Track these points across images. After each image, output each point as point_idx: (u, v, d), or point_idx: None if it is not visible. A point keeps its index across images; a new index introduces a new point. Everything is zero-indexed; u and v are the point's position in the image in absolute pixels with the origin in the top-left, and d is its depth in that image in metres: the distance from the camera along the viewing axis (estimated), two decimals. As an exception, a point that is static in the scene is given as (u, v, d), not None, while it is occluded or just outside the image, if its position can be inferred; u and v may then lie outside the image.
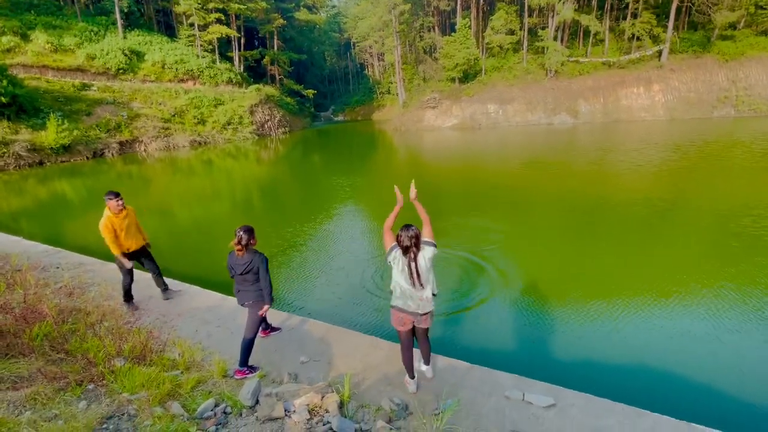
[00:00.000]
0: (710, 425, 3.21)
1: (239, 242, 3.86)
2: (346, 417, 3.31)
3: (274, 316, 5.27)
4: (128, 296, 5.58)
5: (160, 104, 33.74)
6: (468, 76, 40.62)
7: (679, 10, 35.21)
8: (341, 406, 3.42)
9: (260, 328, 4.45)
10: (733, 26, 33.53)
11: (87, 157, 26.56)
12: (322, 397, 3.45)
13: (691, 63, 33.44)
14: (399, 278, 3.46)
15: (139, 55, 37.56)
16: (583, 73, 36.34)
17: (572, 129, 31.14)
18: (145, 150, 30.25)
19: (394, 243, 3.48)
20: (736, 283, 6.26)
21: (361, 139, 36.74)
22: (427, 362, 3.90)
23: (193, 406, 3.39)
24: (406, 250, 3.37)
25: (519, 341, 5.19)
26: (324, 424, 3.15)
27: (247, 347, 4.02)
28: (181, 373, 3.97)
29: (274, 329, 4.85)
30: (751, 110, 30.43)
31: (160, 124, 32.26)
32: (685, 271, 6.75)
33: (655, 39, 35.64)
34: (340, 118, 69.28)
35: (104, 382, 3.61)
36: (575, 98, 35.35)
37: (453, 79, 41.04)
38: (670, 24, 33.55)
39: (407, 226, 3.39)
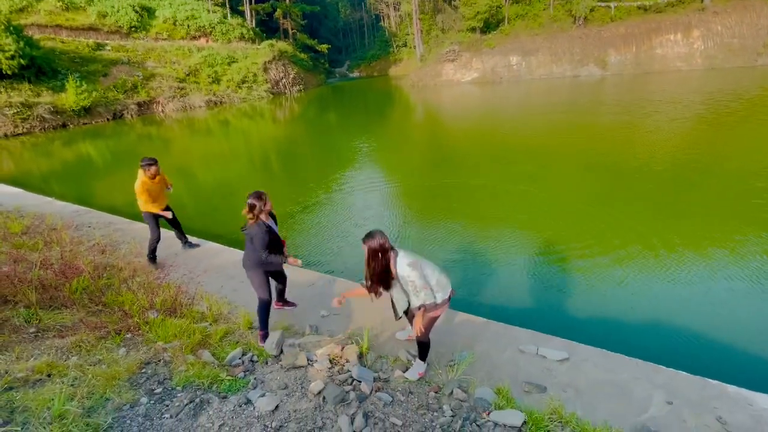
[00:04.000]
0: (726, 381, 3.24)
1: (250, 210, 3.69)
2: (365, 366, 3.48)
3: (294, 272, 5.45)
4: (153, 255, 5.83)
5: (174, 63, 33.34)
6: (490, 25, 38.25)
7: (729, -58, 31.57)
8: (360, 356, 3.59)
9: (274, 299, 4.31)
10: (790, -40, 29.99)
11: (107, 119, 26.88)
12: (342, 348, 3.62)
13: (737, 4, 30.41)
14: (432, 267, 3.18)
15: (150, 12, 36.71)
16: (615, 20, 33.65)
17: (600, 82, 29.42)
18: (162, 111, 30.34)
19: (401, 258, 3.05)
20: (757, 241, 6.06)
21: (376, 96, 35.74)
22: None
23: (222, 355, 3.62)
24: (387, 254, 3.06)
25: (535, 298, 5.25)
26: (344, 373, 3.33)
27: (261, 310, 3.93)
28: (210, 324, 4.21)
29: (288, 304, 4.64)
30: (801, 57, 27.92)
31: (176, 84, 32.06)
32: (705, 230, 6.55)
33: (699, -22, 32.36)
34: (356, 74, 67.15)
35: (140, 332, 3.88)
36: (605, 48, 33.03)
37: (473, 29, 38.75)
38: (718, -41, 30.29)
39: (370, 235, 3.05)
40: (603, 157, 11.11)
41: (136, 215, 8.28)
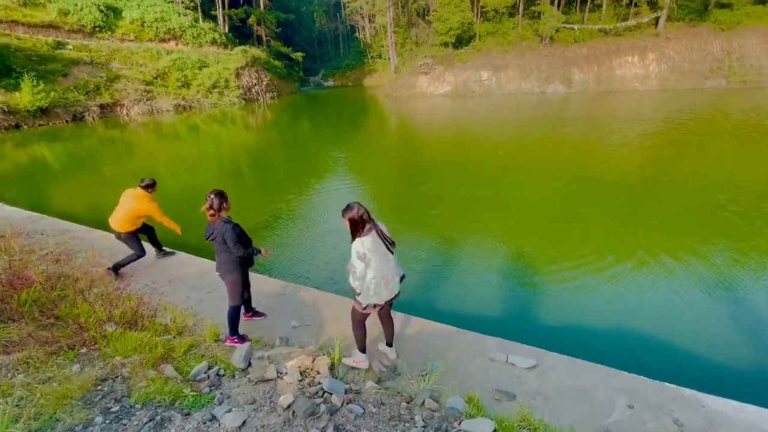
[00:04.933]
0: (681, 384, 3.41)
1: (210, 206, 3.69)
2: (336, 378, 3.43)
3: (262, 282, 5.32)
4: (120, 267, 5.56)
5: (140, 65, 32.21)
6: (462, 41, 39.43)
7: (679, -26, 34.24)
8: (332, 368, 3.53)
9: (243, 311, 4.33)
10: (731, -7, 32.85)
11: (66, 121, 25.53)
12: (313, 359, 3.55)
13: (687, 31, 32.91)
14: (378, 263, 3.24)
15: (116, 12, 35.42)
16: (579, 41, 35.56)
17: (565, 99, 30.83)
18: (127, 114, 29.15)
19: (358, 235, 3.19)
20: (713, 251, 6.47)
21: (351, 106, 35.89)
22: (391, 343, 3.78)
23: (186, 369, 3.46)
24: (366, 225, 3.20)
25: (506, 307, 5.36)
26: (315, 385, 3.26)
27: (232, 316, 3.95)
28: (174, 337, 4.02)
29: (257, 314, 4.53)
30: (742, 82, 30.39)
31: (142, 87, 30.94)
32: (666, 241, 6.93)
33: (653, 5, 34.77)
34: (330, 83, 67.24)
35: (97, 346, 3.65)
36: (569, 66, 34.76)
37: (446, 44, 39.83)
38: (670, -11, 32.72)
39: (349, 207, 3.21)
40: (571, 170, 11.59)
41: (95, 222, 7.87)
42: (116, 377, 3.20)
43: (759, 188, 9.15)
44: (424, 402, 3.15)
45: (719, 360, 4.26)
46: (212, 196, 3.71)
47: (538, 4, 36.58)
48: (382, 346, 3.88)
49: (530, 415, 3.04)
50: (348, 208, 3.23)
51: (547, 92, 34.61)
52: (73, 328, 3.85)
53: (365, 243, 3.20)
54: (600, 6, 37.81)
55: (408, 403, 3.18)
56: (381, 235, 3.29)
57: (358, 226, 3.20)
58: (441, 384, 3.42)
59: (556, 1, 37.36)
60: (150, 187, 5.55)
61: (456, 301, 5.44)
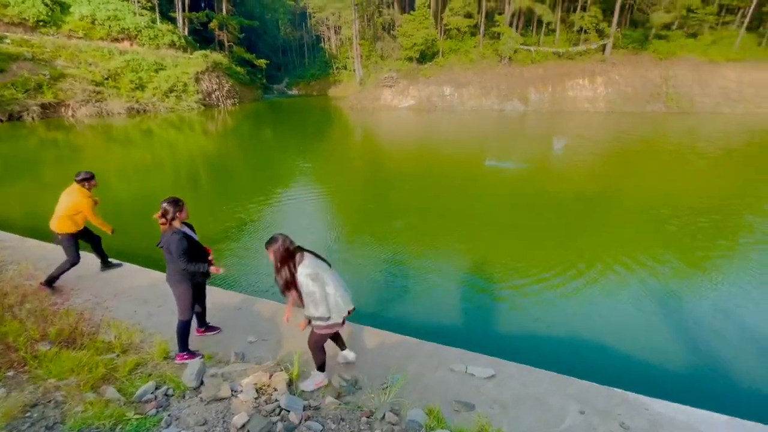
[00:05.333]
0: (627, 389, 3.60)
1: (162, 215, 3.56)
2: (294, 394, 3.31)
3: (218, 294, 5.10)
4: (55, 279, 5.13)
5: (90, 65, 30.33)
6: (425, 56, 40.51)
7: (622, 6, 37.19)
8: (290, 384, 3.42)
9: (195, 325, 4.18)
10: (668, 27, 36.07)
11: (1, 120, 23.46)
12: (270, 375, 3.42)
13: (631, 59, 35.77)
14: (331, 276, 3.25)
15: (63, 7, 33.27)
16: (535, 62, 37.62)
17: (522, 116, 32.37)
18: (72, 115, 27.25)
19: (288, 265, 3.14)
20: (658, 262, 6.97)
21: (315, 115, 35.69)
22: (344, 345, 3.83)
23: (130, 390, 3.21)
24: (296, 254, 3.18)
25: (465, 318, 5.46)
26: (272, 402, 3.13)
27: (182, 331, 3.77)
28: (117, 356, 3.74)
29: (211, 329, 4.34)
30: (678, 107, 33.33)
31: (91, 87, 29.10)
32: (613, 252, 7.38)
33: (601, 33, 37.54)
34: (294, 91, 66.61)
35: (26, 368, 3.31)
36: (526, 86, 36.62)
37: (411, 59, 40.74)
38: (614, 20, 35.47)
39: (274, 239, 3.15)
40: (529, 184, 12.12)
41: (30, 231, 7.23)
42: (48, 402, 2.91)
43: (697, 204, 9.99)
44: (384, 416, 3.11)
45: (662, 364, 4.55)
46: (165, 204, 3.56)
47: (498, 25, 38.43)
48: (341, 356, 3.82)
49: (488, 425, 3.08)
50: (272, 240, 3.14)
51: (506, 109, 36.20)
52: (0, 348, 3.48)
53: (308, 264, 3.14)
54: (554, 30, 40.31)
55: (368, 417, 3.13)
56: (314, 253, 3.28)
57: (287, 257, 3.12)
58: (402, 397, 3.40)
59: (514, 23, 39.39)
60: (86, 181, 5.15)
61: (418, 313, 5.47)
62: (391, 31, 48.92)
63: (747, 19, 33.90)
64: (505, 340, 4.95)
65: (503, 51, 37.26)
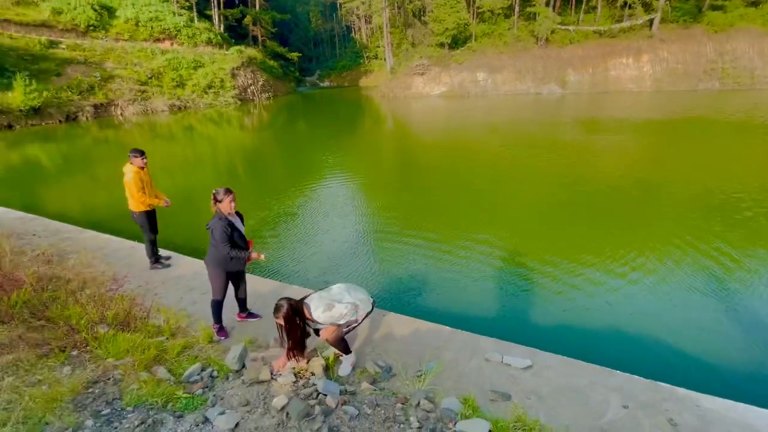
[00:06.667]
0: (675, 383, 3.42)
1: (213, 201, 3.84)
2: (331, 379, 3.40)
3: (257, 282, 5.29)
4: (156, 255, 5.66)
5: (135, 65, 32.00)
6: (458, 41, 39.53)
7: (673, -24, 34.53)
8: (326, 369, 3.51)
9: (238, 311, 4.44)
10: (724, -4, 33.17)
11: (60, 121, 25.30)
12: (308, 360, 3.52)
13: (681, 33, 33.19)
14: (346, 290, 3.51)
15: (110, 11, 35.18)
16: (574, 42, 35.76)
17: (560, 99, 30.97)
18: (121, 114, 28.94)
19: (315, 311, 3.31)
20: (701, 253, 6.51)
21: (347, 106, 35.86)
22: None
23: (179, 371, 3.42)
24: (302, 308, 3.33)
25: (501, 307, 5.36)
26: (309, 387, 3.23)
27: (214, 308, 4.08)
28: (167, 339, 3.98)
29: (252, 315, 4.49)
30: (735, 83, 30.69)
31: (137, 87, 30.75)
32: (654, 242, 6.97)
33: (647, 7, 35.02)
34: (326, 83, 67.15)
35: (88, 348, 3.61)
36: (564, 67, 34.94)
37: (442, 45, 39.90)
38: (663, -9, 32.98)
39: (277, 306, 3.24)
40: (573, 172, 11.61)
41: (87, 223, 7.80)
42: (108, 379, 3.16)
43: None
44: (419, 403, 3.14)
45: (711, 359, 4.28)
46: (215, 191, 3.85)
47: (534, 5, 36.75)
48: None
49: (525, 416, 3.04)
50: (277, 308, 3.19)
51: (543, 93, 34.75)
52: (64, 330, 3.80)
53: (317, 305, 3.29)
54: (595, 8, 38.05)
55: (403, 404, 3.17)
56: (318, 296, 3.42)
57: (294, 316, 3.21)
58: (436, 385, 3.40)
59: (551, 3, 37.54)
60: (133, 157, 5.32)
61: (451, 302, 5.44)
62: (422, 17, 47.98)
63: (820, -18, 30.50)
64: (542, 330, 4.82)
65: (539, 32, 35.65)
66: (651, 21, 34.22)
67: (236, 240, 3.89)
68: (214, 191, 3.84)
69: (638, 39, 33.97)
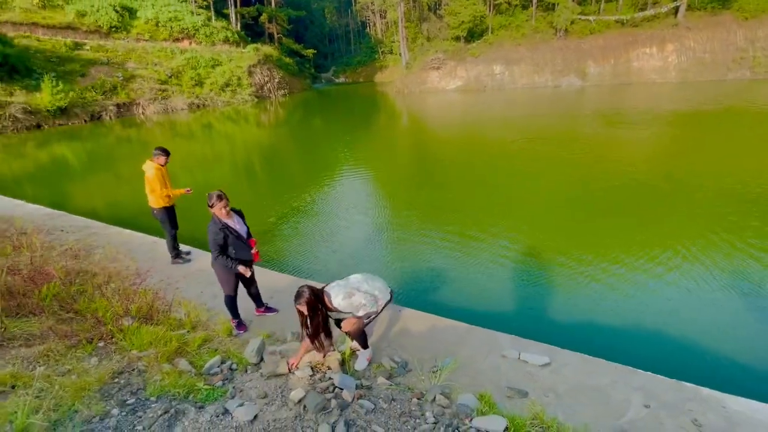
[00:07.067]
0: (700, 383, 3.32)
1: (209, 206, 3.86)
2: (347, 374, 3.43)
3: (274, 277, 5.36)
4: (177, 250, 5.83)
5: (155, 65, 32.74)
6: (474, 34, 38.96)
7: (700, -39, 33.08)
8: (342, 363, 3.54)
9: (255, 306, 4.50)
10: (756, -20, 31.58)
11: (84, 120, 26.15)
12: (324, 354, 3.56)
13: (709, 21, 31.82)
14: (364, 280, 3.49)
15: (131, 12, 36.06)
16: (594, 32, 34.73)
17: (580, 91, 30.22)
18: (143, 113, 29.70)
19: (335, 298, 3.28)
20: (730, 250, 6.27)
21: (362, 102, 35.86)
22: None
23: (200, 363, 3.51)
24: (323, 296, 3.28)
25: (518, 304, 5.30)
26: (326, 380, 3.27)
27: (228, 304, 4.14)
28: (188, 332, 4.09)
29: (269, 310, 4.57)
30: (767, 72, 29.30)
31: (157, 86, 31.48)
32: (680, 238, 6.74)
33: (673, -6, 33.71)
34: (342, 79, 67.28)
35: (113, 340, 3.73)
36: (584, 59, 34.02)
37: (458, 38, 39.40)
38: (690, -23, 31.67)
39: (299, 293, 3.17)
40: (592, 166, 11.35)
41: (112, 218, 8.05)
42: (132, 370, 3.27)
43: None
44: (435, 398, 3.14)
45: (738, 360, 4.13)
46: (208, 195, 3.84)
47: (553, -5, 35.86)
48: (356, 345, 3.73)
49: (543, 413, 3.00)
50: (299, 295, 3.14)
51: (562, 85, 33.95)
52: (91, 322, 3.94)
53: (337, 292, 3.27)
54: (617, -4, 36.85)
55: (419, 399, 3.17)
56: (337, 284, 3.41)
57: (316, 302, 3.16)
58: (452, 381, 3.40)
59: (571, -8, 36.52)
60: (156, 156, 5.48)
61: (468, 298, 5.40)
62: (437, 11, 47.47)
63: None
64: (561, 327, 4.74)
65: (558, 23, 34.76)
66: (676, 9, 32.93)
67: (231, 244, 3.84)
68: (207, 195, 3.82)
69: (662, 28, 32.74)
